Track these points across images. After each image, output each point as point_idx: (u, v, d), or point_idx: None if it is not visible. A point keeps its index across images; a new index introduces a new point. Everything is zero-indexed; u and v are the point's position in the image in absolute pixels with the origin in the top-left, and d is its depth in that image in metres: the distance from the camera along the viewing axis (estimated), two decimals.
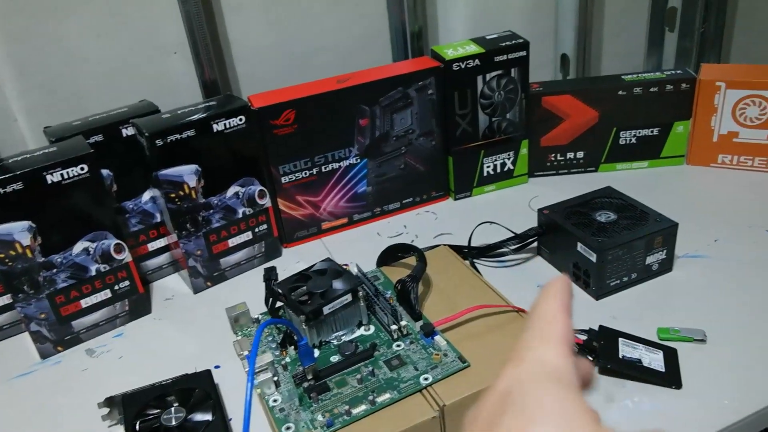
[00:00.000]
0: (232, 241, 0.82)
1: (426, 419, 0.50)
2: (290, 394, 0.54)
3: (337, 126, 0.85)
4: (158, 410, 0.59)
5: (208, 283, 0.82)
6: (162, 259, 0.85)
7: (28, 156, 0.69)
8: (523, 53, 0.89)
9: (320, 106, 0.83)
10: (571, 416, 0.23)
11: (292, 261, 0.86)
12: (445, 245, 0.74)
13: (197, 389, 0.61)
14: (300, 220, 0.89)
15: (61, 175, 0.67)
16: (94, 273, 0.73)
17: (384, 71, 0.87)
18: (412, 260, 0.71)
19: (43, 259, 0.69)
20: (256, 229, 0.83)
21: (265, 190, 0.82)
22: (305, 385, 0.54)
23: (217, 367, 0.67)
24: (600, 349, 0.60)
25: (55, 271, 0.70)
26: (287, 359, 0.59)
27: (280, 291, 0.60)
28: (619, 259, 0.69)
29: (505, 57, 0.89)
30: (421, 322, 0.59)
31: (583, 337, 0.61)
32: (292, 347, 0.59)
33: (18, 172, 0.65)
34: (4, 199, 0.65)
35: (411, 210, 0.95)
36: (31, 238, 0.68)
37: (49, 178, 0.67)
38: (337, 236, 0.91)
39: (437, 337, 0.57)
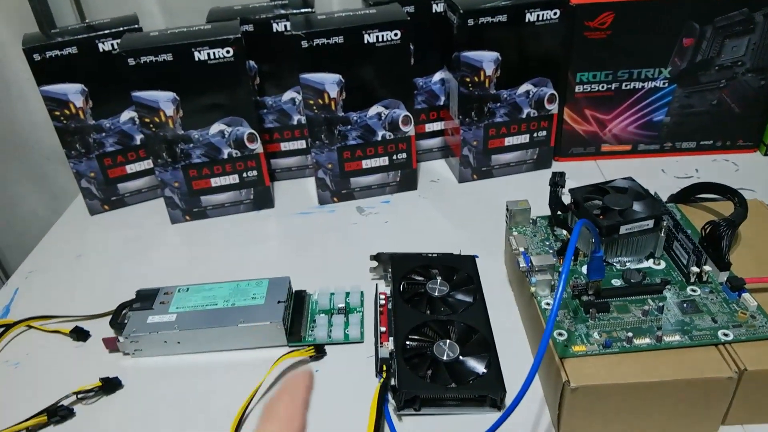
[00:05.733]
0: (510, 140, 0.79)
1: (721, 377, 0.44)
2: (564, 303, 0.52)
3: (654, 41, 0.76)
4: (423, 278, 0.61)
5: (475, 176, 0.81)
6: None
7: (177, 31, 0.71)
8: None
9: (643, 15, 0.74)
10: None
11: None
12: (758, 200, 0.64)
13: (461, 270, 0.61)
14: (580, 136, 0.83)
15: (208, 54, 0.69)
16: (225, 156, 0.75)
17: None
18: (716, 205, 0.62)
19: (182, 132, 0.72)
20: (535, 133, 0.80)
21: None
22: (584, 298, 0.51)
23: (475, 256, 0.67)
24: None
25: (191, 145, 0.74)
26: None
27: (574, 198, 0.57)
28: None
29: None
30: (727, 274, 0.52)
31: None
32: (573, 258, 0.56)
33: (170, 44, 0.67)
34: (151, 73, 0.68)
35: (707, 154, 0.83)
36: (174, 109, 0.71)
37: (197, 55, 0.69)
38: (614, 162, 0.84)
39: (746, 295, 0.50)
